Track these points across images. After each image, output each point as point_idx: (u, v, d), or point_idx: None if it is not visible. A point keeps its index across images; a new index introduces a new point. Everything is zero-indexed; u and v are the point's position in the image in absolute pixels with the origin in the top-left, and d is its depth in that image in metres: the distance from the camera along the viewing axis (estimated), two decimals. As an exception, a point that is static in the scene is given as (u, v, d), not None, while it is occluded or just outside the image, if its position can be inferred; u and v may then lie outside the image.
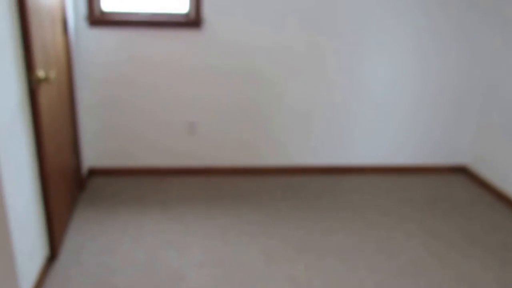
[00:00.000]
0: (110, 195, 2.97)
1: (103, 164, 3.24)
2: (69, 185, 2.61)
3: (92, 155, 3.21)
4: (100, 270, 2.22)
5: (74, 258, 2.30)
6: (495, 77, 3.22)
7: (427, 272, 2.30)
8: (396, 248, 2.49)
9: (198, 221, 2.70)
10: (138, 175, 3.28)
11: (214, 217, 2.75)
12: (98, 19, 2.86)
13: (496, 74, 3.22)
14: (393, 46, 3.15)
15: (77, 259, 2.30)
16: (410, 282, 2.22)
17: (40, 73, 1.98)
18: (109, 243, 2.45)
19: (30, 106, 1.98)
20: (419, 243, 2.55)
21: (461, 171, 3.57)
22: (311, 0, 2.97)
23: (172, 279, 2.18)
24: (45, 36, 2.10)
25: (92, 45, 2.93)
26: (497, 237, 2.67)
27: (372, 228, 2.69)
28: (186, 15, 2.98)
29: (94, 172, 3.24)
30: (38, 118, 2.00)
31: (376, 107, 3.31)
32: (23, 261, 1.90)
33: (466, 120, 3.44)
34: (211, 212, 2.81)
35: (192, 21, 2.92)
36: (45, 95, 2.11)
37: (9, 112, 1.76)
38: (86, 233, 2.53)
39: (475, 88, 3.34)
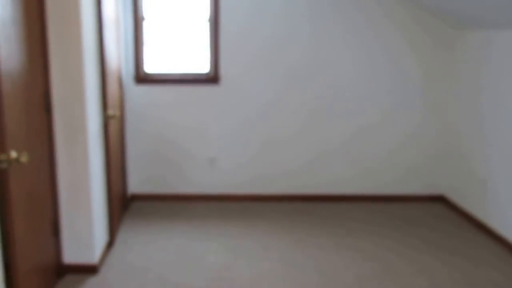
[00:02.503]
0: (147, 214, 3.80)
1: (142, 191, 4.10)
2: (119, 203, 3.48)
3: (134, 182, 4.08)
4: (143, 253, 3.02)
5: (125, 247, 3.13)
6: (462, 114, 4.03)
7: (398, 269, 3.01)
8: (376, 254, 3.22)
9: (215, 229, 3.49)
10: (169, 199, 4.11)
11: (226, 227, 3.54)
12: (142, 78, 3.89)
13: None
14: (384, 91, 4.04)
15: (128, 248, 3.12)
16: (382, 275, 2.93)
17: (111, 111, 2.94)
18: (148, 241, 3.26)
19: (103, 134, 2.92)
20: (393, 241, 3.27)
21: (439, 200, 4.22)
22: (297, 60, 3.93)
23: (196, 260, 2.97)
24: (112, 89, 3.09)
25: (138, 97, 3.92)
26: (454, 244, 3.37)
27: (361, 241, 3.43)
28: (207, 74, 3.99)
29: (135, 197, 4.10)
30: (108, 143, 2.93)
31: (367, 145, 4.07)
32: (97, 235, 2.75)
33: (445, 152, 4.11)
34: (225, 224, 3.60)
35: (212, 78, 3.92)
36: (113, 128, 3.06)
37: (95, 134, 2.70)
38: (130, 233, 3.35)
39: (456, 124, 4.14)
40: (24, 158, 1.93)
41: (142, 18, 3.84)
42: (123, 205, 3.72)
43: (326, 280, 2.76)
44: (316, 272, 2.86)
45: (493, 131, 3.43)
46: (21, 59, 2.09)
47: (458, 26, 3.80)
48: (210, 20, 3.86)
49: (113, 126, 3.17)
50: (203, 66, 3.98)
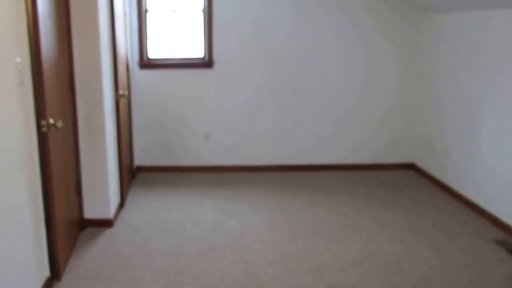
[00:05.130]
0: (151, 182, 4.35)
1: (146, 163, 4.64)
2: (128, 171, 4.02)
3: (139, 156, 4.61)
4: (149, 212, 3.57)
5: (134, 207, 3.68)
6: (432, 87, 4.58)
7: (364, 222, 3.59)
8: (348, 212, 3.79)
9: (210, 194, 4.04)
10: (170, 170, 4.65)
11: (220, 192, 4.09)
12: (145, 63, 4.39)
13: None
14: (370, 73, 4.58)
15: (136, 207, 3.67)
16: (351, 227, 3.50)
17: (121, 91, 3.46)
18: (153, 201, 3.81)
19: (115, 111, 3.44)
20: (364, 202, 3.85)
21: (411, 167, 4.80)
22: (281, 45, 4.45)
23: (193, 217, 3.53)
24: (122, 72, 3.60)
25: (142, 80, 4.43)
26: (419, 202, 3.94)
27: (336, 202, 4.00)
28: (202, 58, 4.49)
29: (140, 168, 4.64)
30: (119, 119, 3.45)
31: (347, 121, 4.65)
32: (111, 196, 3.30)
33: (414, 127, 4.70)
34: (218, 190, 4.16)
35: (206, 62, 4.43)
36: (122, 107, 3.58)
37: (109, 110, 3.22)
38: (138, 198, 3.90)
39: (420, 97, 4.70)
40: (59, 124, 2.46)
41: (146, 11, 4.33)
42: (130, 174, 4.25)
43: (303, 231, 3.32)
44: (295, 225, 3.42)
45: (449, 106, 3.99)
46: (54, 46, 2.60)
47: (424, 9, 4.32)
48: (204, 10, 4.36)
49: (123, 105, 3.69)
50: (199, 52, 4.48)
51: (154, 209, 3.69)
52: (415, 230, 3.31)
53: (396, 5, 4.42)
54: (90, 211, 3.32)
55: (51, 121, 2.41)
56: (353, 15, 4.42)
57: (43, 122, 2.38)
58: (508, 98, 3.23)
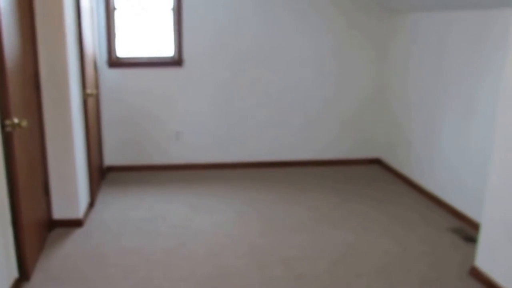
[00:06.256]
0: (121, 182, 4.34)
1: (116, 163, 4.61)
2: (97, 171, 3.99)
3: (109, 155, 4.58)
4: (120, 211, 3.57)
5: (104, 206, 3.68)
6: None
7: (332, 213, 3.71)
8: (317, 206, 3.91)
9: (181, 191, 4.08)
10: (141, 170, 4.64)
11: (191, 189, 4.14)
12: (114, 62, 4.37)
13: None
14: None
15: (107, 207, 3.66)
16: (319, 220, 3.61)
17: (89, 90, 3.44)
18: (124, 201, 3.81)
19: (83, 110, 3.42)
20: (332, 196, 3.97)
21: (376, 162, 5.00)
22: (249, 44, 4.52)
23: (163, 214, 3.56)
24: (90, 71, 3.58)
25: (111, 79, 4.41)
26: (384, 195, 4.10)
27: (306, 197, 4.11)
28: (172, 57, 4.50)
29: (111, 168, 4.61)
30: (87, 118, 3.44)
31: (315, 117, 4.76)
32: (81, 195, 3.29)
33: (380, 123, 4.87)
34: (189, 187, 4.20)
35: (176, 61, 4.44)
36: (90, 106, 3.56)
37: (76, 109, 3.21)
38: (108, 197, 3.89)
39: (386, 94, 4.86)
40: (24, 123, 2.44)
41: (114, 8, 4.30)
42: (100, 174, 4.22)
43: (272, 225, 3.41)
44: (265, 220, 3.50)
45: (414, 105, 4.17)
46: (17, 43, 2.57)
47: (391, 9, 4.49)
48: (173, 9, 4.37)
49: (91, 104, 3.66)
50: (168, 50, 4.49)
51: (124, 208, 3.69)
52: (379, 222, 3.46)
53: (366, 5, 4.56)
54: (59, 212, 3.29)
55: (16, 120, 2.39)
56: (323, 14, 4.53)
57: (7, 122, 2.36)
58: (466, 98, 3.41)
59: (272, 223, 3.43)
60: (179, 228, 3.34)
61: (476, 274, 2.68)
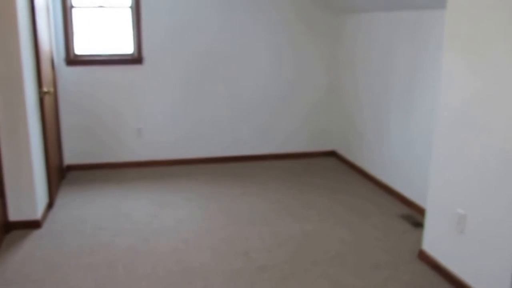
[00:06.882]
0: (82, 181, 4.29)
1: (76, 162, 4.54)
2: (56, 171, 3.93)
3: (69, 154, 4.51)
4: (80, 210, 3.55)
5: (64, 207, 3.64)
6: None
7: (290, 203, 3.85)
8: (277, 198, 4.03)
9: (143, 188, 4.09)
10: (102, 168, 4.60)
11: (154, 186, 4.16)
12: (72, 60, 4.30)
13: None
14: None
15: (66, 207, 3.63)
16: (279, 211, 3.74)
17: (45, 88, 3.39)
18: (85, 200, 3.79)
19: (39, 109, 3.36)
20: (291, 188, 4.11)
21: (332, 154, 5.20)
22: (208, 42, 4.57)
23: (126, 212, 3.57)
24: (46, 69, 3.52)
25: (69, 77, 4.33)
26: (339, 186, 4.28)
27: (266, 190, 4.22)
28: (132, 54, 4.48)
29: (71, 167, 4.54)
30: (44, 117, 3.38)
31: (273, 113, 4.88)
32: (38, 196, 3.24)
33: (335, 117, 5.08)
34: (152, 184, 4.22)
35: (136, 59, 4.43)
36: (47, 104, 3.50)
37: (32, 108, 3.15)
38: (68, 197, 3.84)
39: (337, 89, 5.04)
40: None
41: (71, 6, 4.23)
42: (59, 174, 4.16)
43: (234, 218, 3.50)
44: (227, 213, 3.59)
45: (365, 100, 4.37)
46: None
47: (339, 9, 4.68)
48: (131, 7, 4.35)
49: (48, 102, 3.60)
50: (128, 48, 4.47)
51: (85, 207, 3.66)
52: (335, 211, 3.62)
53: (317, 3, 4.72)
54: (16, 213, 3.23)
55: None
56: (280, 14, 4.64)
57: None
58: (407, 94, 3.63)
59: (234, 217, 3.52)
60: (142, 225, 3.36)
61: (423, 257, 2.88)
